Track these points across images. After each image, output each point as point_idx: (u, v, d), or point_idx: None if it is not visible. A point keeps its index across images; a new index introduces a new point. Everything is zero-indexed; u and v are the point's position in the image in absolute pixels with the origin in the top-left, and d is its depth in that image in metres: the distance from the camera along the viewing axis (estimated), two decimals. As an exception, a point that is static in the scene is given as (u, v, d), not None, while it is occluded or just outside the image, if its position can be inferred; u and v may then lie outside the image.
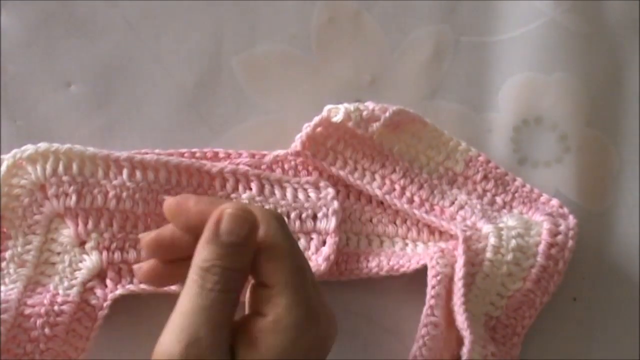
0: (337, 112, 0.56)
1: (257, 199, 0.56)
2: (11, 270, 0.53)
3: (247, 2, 0.62)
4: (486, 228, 0.55)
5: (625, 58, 0.64)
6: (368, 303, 0.58)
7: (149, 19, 0.62)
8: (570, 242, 0.56)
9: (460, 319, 0.52)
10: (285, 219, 0.56)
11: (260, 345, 0.40)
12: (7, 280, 0.52)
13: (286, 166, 0.58)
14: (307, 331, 0.42)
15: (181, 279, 0.43)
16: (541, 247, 0.55)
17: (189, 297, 0.40)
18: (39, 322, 0.51)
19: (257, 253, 0.42)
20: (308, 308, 0.42)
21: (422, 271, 0.55)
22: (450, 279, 0.54)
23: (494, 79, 0.63)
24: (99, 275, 0.54)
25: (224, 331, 0.40)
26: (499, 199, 0.59)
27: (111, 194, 0.53)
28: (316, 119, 0.57)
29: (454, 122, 0.61)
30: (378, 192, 0.57)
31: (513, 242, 0.55)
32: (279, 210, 0.56)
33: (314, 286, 0.44)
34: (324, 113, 0.56)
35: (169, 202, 0.44)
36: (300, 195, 0.57)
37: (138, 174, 0.54)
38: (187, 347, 0.39)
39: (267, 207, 0.56)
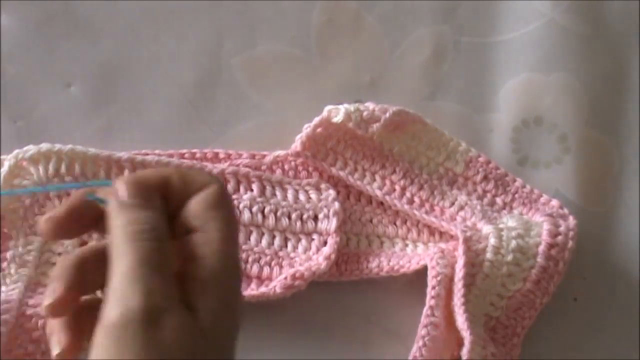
0: (337, 112, 0.56)
1: (258, 200, 0.56)
2: (12, 271, 0.53)
3: (247, 2, 0.62)
4: (486, 229, 0.56)
5: (625, 58, 0.64)
6: (368, 303, 0.58)
7: (149, 19, 0.62)
8: (570, 243, 0.56)
9: (461, 320, 0.52)
10: (287, 219, 0.56)
11: (218, 290, 0.39)
12: (8, 280, 0.52)
13: (286, 167, 0.58)
14: (238, 277, 0.41)
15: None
16: (541, 248, 0.55)
17: (123, 257, 0.38)
18: (40, 322, 0.51)
19: (197, 201, 0.41)
20: (237, 260, 0.41)
21: (422, 272, 0.55)
22: (450, 280, 0.54)
23: (494, 79, 0.63)
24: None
25: (171, 279, 0.38)
26: (499, 200, 0.59)
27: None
28: (316, 120, 0.57)
29: (454, 122, 0.61)
30: (378, 193, 0.57)
31: (513, 243, 0.55)
32: (280, 212, 0.56)
33: None
34: (324, 113, 0.56)
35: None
36: (302, 197, 0.57)
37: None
38: (146, 298, 0.36)
39: (268, 208, 0.56)
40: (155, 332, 0.36)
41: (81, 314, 0.41)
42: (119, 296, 0.37)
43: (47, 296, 0.40)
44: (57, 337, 0.41)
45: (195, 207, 0.41)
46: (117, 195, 0.40)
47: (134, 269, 0.37)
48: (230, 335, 0.39)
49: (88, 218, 0.42)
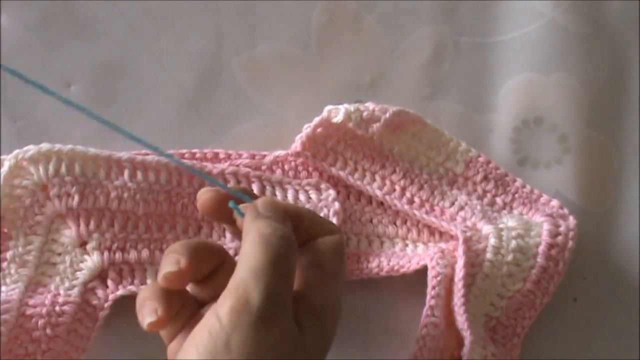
0: (338, 112, 0.56)
1: (258, 199, 0.56)
2: (12, 271, 0.53)
3: (247, 2, 0.62)
4: (486, 229, 0.56)
5: (625, 58, 0.64)
6: (368, 303, 0.58)
7: (149, 19, 0.61)
8: (571, 243, 0.56)
9: (461, 320, 0.52)
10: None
11: (319, 323, 0.43)
12: (8, 280, 0.52)
13: (286, 167, 0.58)
14: (340, 309, 0.46)
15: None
16: (541, 248, 0.55)
17: (255, 254, 0.41)
18: (40, 322, 0.51)
19: (326, 243, 0.46)
20: (341, 298, 0.47)
21: (422, 272, 0.55)
22: (450, 280, 0.54)
23: (494, 79, 0.63)
24: (100, 276, 0.54)
25: (290, 289, 0.42)
26: (499, 200, 0.59)
27: (113, 194, 0.53)
28: (316, 120, 0.57)
29: (454, 122, 0.61)
30: (378, 193, 0.57)
31: (513, 243, 0.55)
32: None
33: None
34: (324, 114, 0.56)
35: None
36: (302, 197, 0.57)
37: (139, 174, 0.54)
38: (267, 297, 0.40)
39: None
40: (265, 329, 0.39)
41: (173, 296, 0.44)
42: (243, 288, 0.40)
43: (169, 264, 0.43)
44: (152, 307, 0.43)
45: (322, 246, 0.46)
46: (256, 208, 0.44)
47: (263, 268, 0.40)
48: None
49: None
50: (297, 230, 0.45)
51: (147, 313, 0.43)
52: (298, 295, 0.43)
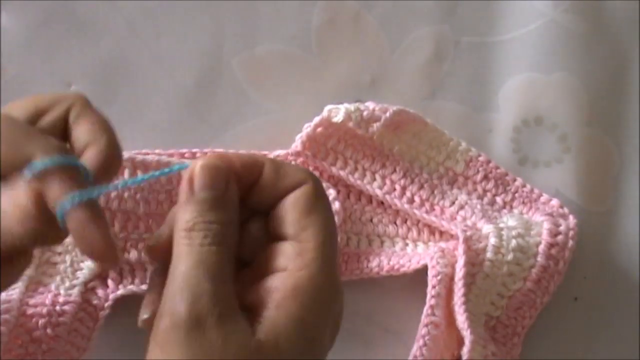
0: (338, 112, 0.56)
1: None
2: (12, 271, 0.53)
3: (247, 2, 0.62)
4: (486, 228, 0.56)
5: (625, 58, 0.64)
6: (368, 303, 0.58)
7: (149, 19, 0.61)
8: (571, 242, 0.56)
9: (461, 319, 0.52)
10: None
11: (293, 305, 0.36)
12: (8, 280, 0.52)
13: (287, 166, 0.58)
14: (335, 299, 0.38)
15: None
16: (541, 247, 0.55)
17: (179, 260, 0.37)
18: (40, 322, 0.51)
19: (292, 203, 0.39)
20: (338, 275, 0.38)
21: (422, 271, 0.55)
22: (450, 279, 0.54)
23: (494, 79, 0.63)
24: (100, 275, 0.54)
25: (227, 286, 0.37)
26: (499, 199, 0.59)
27: (113, 194, 0.53)
28: (316, 119, 0.57)
29: (454, 122, 0.61)
30: (378, 192, 0.57)
31: (513, 242, 0.55)
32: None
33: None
34: (325, 113, 0.56)
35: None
36: (302, 196, 0.57)
37: (139, 174, 0.54)
38: (192, 304, 0.35)
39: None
40: (199, 337, 0.35)
41: None
42: (169, 304, 0.36)
43: (151, 239, 0.40)
44: (148, 303, 0.39)
45: (288, 213, 0.39)
46: (190, 185, 0.38)
47: (188, 275, 0.36)
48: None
49: None
50: (255, 190, 0.39)
51: (143, 310, 0.39)
52: (262, 278, 0.38)
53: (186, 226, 0.37)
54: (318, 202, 0.39)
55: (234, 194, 0.39)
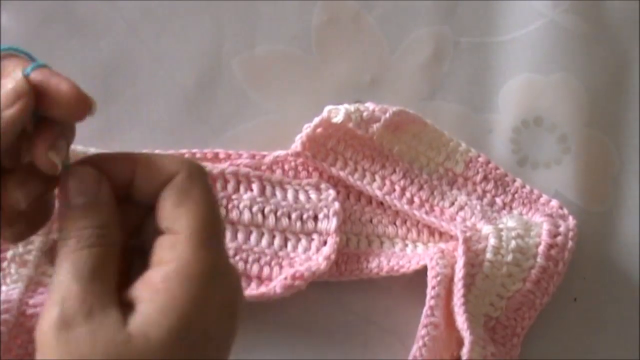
0: (338, 112, 0.56)
1: (258, 200, 0.56)
2: (12, 270, 0.53)
3: (247, 2, 0.62)
4: (486, 229, 0.56)
5: (625, 58, 0.64)
6: (368, 303, 0.58)
7: (149, 19, 0.62)
8: (570, 243, 0.56)
9: (460, 320, 0.52)
10: (287, 219, 0.56)
11: (164, 295, 0.37)
12: (8, 280, 0.52)
13: (286, 167, 0.58)
14: (215, 283, 0.38)
15: None
16: (541, 248, 0.55)
17: (57, 268, 0.38)
18: (40, 322, 0.51)
19: (164, 197, 0.39)
20: (218, 259, 0.39)
21: (422, 272, 0.55)
22: (450, 280, 0.54)
23: (494, 79, 0.63)
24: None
25: (98, 284, 0.37)
26: (498, 200, 0.59)
27: (112, 194, 0.53)
28: (316, 120, 0.57)
29: (454, 122, 0.61)
30: (378, 193, 0.57)
31: (513, 243, 0.55)
32: (280, 212, 0.56)
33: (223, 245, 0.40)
34: (324, 114, 0.56)
35: None
36: (302, 197, 0.57)
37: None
38: (59, 306, 0.36)
39: (268, 208, 0.56)
40: (67, 336, 0.36)
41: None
42: (44, 311, 0.37)
43: (47, 243, 0.42)
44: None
45: (161, 206, 0.39)
46: (64, 193, 0.39)
47: (59, 281, 0.37)
48: (166, 350, 0.36)
49: None
50: (135, 187, 0.40)
51: None
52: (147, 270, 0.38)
53: (62, 236, 0.39)
54: (191, 189, 0.39)
55: (107, 195, 0.39)
